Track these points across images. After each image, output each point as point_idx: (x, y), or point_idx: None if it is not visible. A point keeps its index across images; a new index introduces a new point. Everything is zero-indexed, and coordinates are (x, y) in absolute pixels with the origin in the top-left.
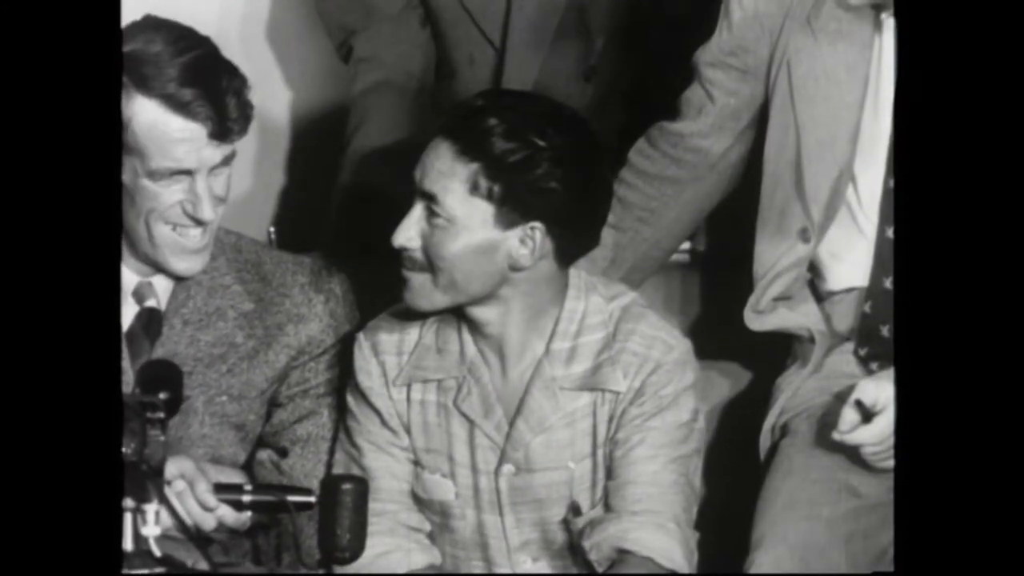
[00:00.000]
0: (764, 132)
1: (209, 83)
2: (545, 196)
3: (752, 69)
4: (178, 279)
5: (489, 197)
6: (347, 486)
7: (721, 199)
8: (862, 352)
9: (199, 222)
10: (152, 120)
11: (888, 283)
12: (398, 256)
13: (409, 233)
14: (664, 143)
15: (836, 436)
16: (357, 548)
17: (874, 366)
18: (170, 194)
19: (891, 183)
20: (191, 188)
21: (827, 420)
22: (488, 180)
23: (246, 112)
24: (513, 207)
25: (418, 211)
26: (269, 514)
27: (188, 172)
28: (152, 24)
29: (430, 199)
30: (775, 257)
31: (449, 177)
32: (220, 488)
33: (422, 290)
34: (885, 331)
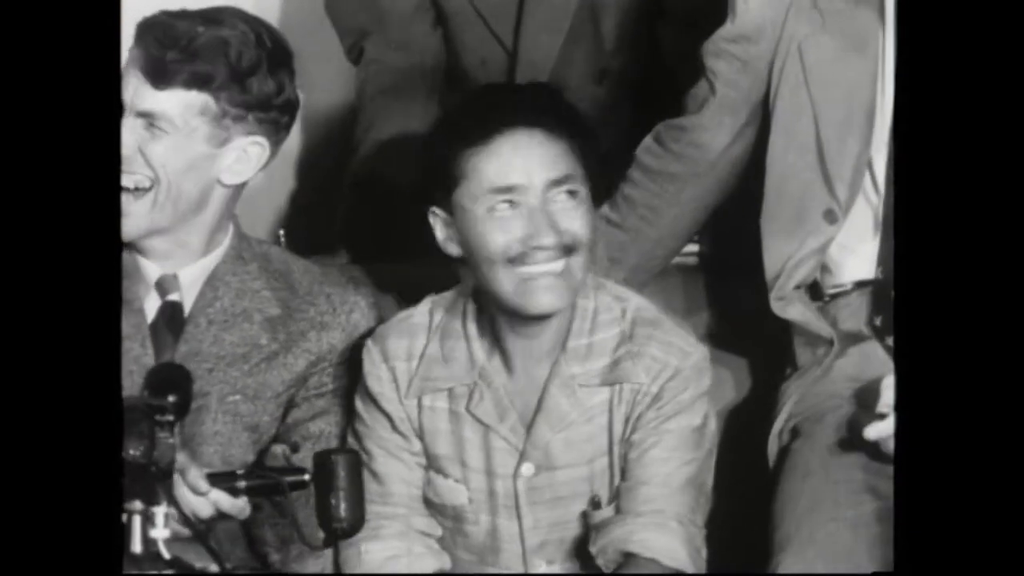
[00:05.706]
0: (765, 134)
1: (174, 21)
2: None
3: (753, 61)
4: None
5: None
6: (338, 456)
7: (722, 199)
8: (877, 322)
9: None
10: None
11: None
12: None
13: None
14: (668, 138)
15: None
16: (354, 519)
17: (890, 340)
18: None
19: None
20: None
21: (841, 422)
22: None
23: (199, 60)
24: None
25: None
26: (266, 497)
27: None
28: None
29: None
30: (792, 248)
31: None
32: (214, 477)
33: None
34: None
